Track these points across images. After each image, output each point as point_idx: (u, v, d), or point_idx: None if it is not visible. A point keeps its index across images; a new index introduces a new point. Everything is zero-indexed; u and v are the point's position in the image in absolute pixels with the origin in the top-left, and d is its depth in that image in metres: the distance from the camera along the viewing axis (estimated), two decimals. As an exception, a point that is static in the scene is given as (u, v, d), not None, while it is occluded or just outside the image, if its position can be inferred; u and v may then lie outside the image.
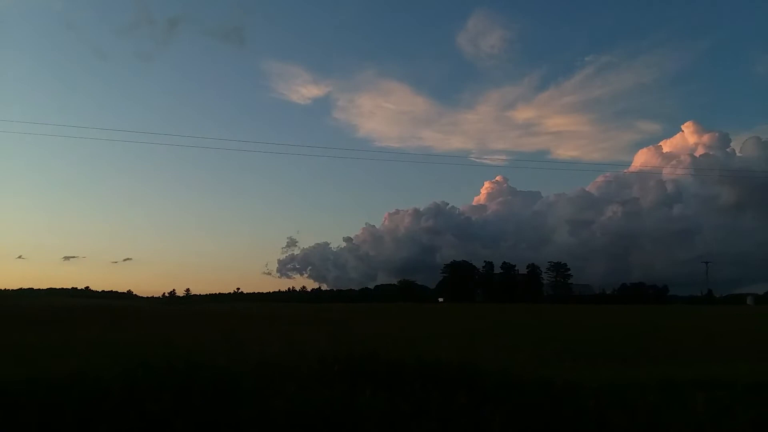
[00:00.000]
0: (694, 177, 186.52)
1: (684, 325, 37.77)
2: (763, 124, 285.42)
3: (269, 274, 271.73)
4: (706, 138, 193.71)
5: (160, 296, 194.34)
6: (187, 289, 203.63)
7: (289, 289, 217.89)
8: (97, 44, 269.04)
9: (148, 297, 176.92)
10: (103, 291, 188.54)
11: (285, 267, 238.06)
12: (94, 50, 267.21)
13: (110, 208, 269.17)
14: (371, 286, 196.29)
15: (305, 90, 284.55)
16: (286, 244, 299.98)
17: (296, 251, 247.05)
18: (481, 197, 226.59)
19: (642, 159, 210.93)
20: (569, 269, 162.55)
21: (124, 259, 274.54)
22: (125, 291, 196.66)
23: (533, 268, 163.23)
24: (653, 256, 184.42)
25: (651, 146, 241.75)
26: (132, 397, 7.71)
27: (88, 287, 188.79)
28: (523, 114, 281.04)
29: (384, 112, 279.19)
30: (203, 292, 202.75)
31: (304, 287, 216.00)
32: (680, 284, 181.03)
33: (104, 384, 8.56)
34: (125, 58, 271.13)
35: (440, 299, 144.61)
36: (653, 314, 55.64)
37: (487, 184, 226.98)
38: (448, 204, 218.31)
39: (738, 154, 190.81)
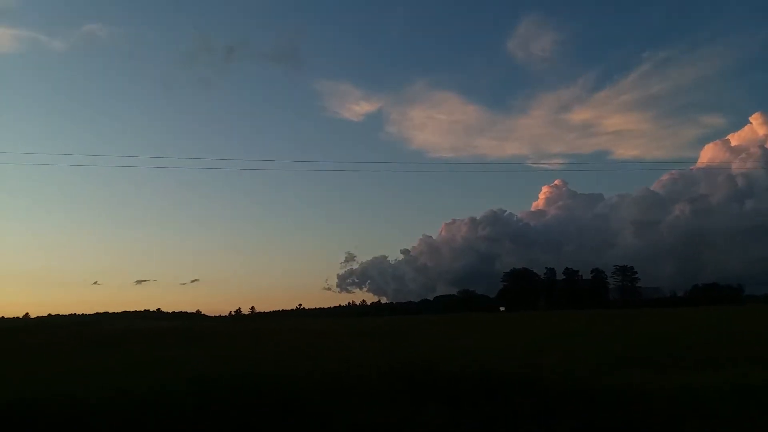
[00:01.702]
0: (765, 170, 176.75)
1: (759, 325, 35.70)
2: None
3: (329, 289, 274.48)
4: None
5: (227, 315, 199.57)
6: (252, 307, 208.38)
7: (349, 303, 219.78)
8: (159, 74, 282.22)
9: (215, 316, 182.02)
10: (173, 312, 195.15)
11: (344, 282, 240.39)
12: (158, 80, 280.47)
13: (178, 231, 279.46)
14: (431, 297, 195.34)
15: (357, 107, 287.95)
16: (344, 259, 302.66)
17: (355, 265, 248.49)
18: (539, 202, 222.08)
19: (709, 154, 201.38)
20: (636, 272, 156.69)
21: (192, 281, 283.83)
22: (194, 311, 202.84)
23: (597, 273, 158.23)
24: (726, 255, 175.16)
25: (717, 140, 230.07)
26: (204, 413, 8.02)
27: (159, 309, 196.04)
28: (579, 116, 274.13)
29: (436, 122, 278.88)
30: (267, 309, 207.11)
31: (364, 301, 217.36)
32: (757, 283, 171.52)
33: (178, 401, 8.94)
34: (187, 86, 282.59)
35: (501, 308, 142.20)
36: (727, 315, 52.85)
37: (545, 189, 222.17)
38: (505, 211, 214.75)
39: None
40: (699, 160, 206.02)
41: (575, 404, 8.15)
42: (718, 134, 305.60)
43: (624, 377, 11.15)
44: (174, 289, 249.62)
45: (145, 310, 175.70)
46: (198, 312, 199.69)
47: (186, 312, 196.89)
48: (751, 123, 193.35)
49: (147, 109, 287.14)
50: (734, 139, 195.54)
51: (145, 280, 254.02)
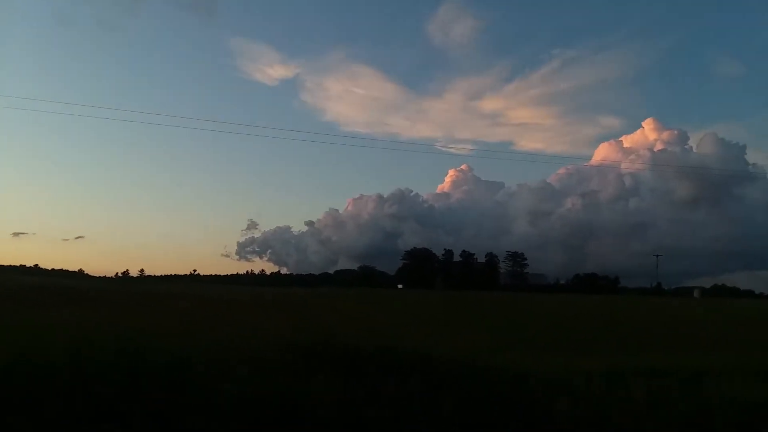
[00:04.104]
0: (651, 172, 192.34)
1: (632, 315, 39.08)
2: (720, 122, 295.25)
3: (227, 256, 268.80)
4: (665, 134, 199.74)
5: (113, 276, 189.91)
6: (141, 270, 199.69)
7: (247, 272, 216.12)
8: (57, 9, 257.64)
9: (99, 276, 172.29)
10: (53, 269, 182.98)
11: (244, 249, 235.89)
12: (54, 16, 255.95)
13: (62, 183, 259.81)
14: (331, 271, 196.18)
15: (272, 70, 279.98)
16: (246, 226, 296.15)
17: (256, 234, 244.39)
18: (445, 185, 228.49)
19: (602, 153, 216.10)
20: (526, 259, 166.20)
21: (76, 237, 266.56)
22: (76, 270, 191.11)
23: (491, 257, 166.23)
24: (608, 248, 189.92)
25: (612, 141, 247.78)
26: (80, 380, 7.54)
27: (37, 265, 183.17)
28: (489, 104, 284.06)
29: (352, 96, 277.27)
30: (158, 273, 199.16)
31: (263, 270, 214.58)
32: (631, 276, 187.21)
33: (51, 366, 8.34)
34: (87, 26, 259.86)
35: (399, 286, 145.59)
36: (604, 304, 57.40)
37: (451, 172, 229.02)
38: (412, 191, 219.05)
39: (695, 151, 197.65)
40: (593, 158, 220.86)
41: (462, 380, 8.48)
42: (613, 135, 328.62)
43: (509, 357, 11.75)
44: (55, 245, 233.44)
45: (20, 266, 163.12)
46: (80, 271, 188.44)
47: (67, 270, 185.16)
48: (643, 127, 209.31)
49: (38, 47, 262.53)
50: (627, 141, 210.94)
51: (22, 233, 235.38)
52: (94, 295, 37.32)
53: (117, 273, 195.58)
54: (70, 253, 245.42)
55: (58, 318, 20.25)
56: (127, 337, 12.72)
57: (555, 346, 17.57)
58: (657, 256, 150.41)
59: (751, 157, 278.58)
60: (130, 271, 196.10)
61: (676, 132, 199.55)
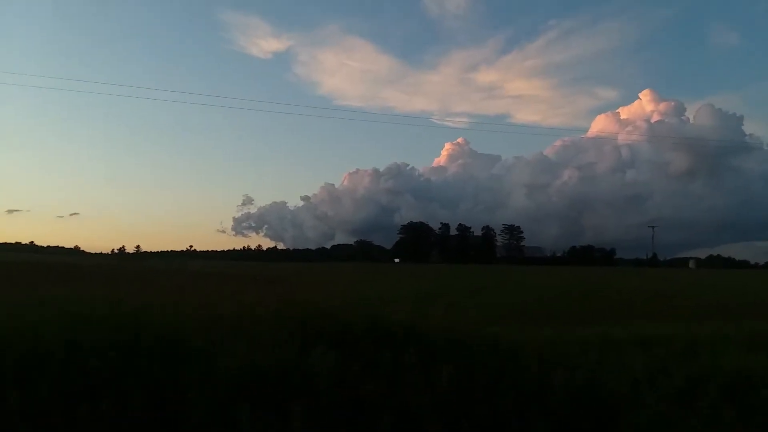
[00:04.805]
0: (648, 144, 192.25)
1: (627, 286, 39.39)
2: (717, 94, 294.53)
3: (224, 232, 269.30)
4: (662, 106, 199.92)
5: (109, 253, 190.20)
6: (138, 246, 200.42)
7: (244, 247, 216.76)
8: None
9: (96, 253, 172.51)
10: (48, 246, 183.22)
11: (240, 225, 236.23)
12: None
13: (57, 160, 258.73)
14: (328, 246, 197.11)
15: (265, 43, 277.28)
16: (241, 201, 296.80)
17: (252, 209, 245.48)
18: (441, 159, 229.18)
19: (599, 125, 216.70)
20: (522, 232, 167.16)
21: (71, 214, 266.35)
22: (72, 247, 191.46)
23: (488, 230, 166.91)
24: (605, 220, 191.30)
25: (609, 112, 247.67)
26: (75, 356, 7.53)
27: (32, 242, 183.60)
28: (485, 77, 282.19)
29: (347, 69, 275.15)
30: (154, 249, 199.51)
31: (259, 246, 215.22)
32: (627, 247, 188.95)
33: (46, 342, 8.32)
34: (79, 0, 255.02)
35: (396, 260, 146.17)
36: (599, 276, 57.82)
37: (448, 146, 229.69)
38: (408, 165, 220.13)
39: (692, 122, 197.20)
40: (590, 130, 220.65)
41: (456, 353, 8.53)
42: (611, 107, 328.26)
43: (504, 329, 11.82)
44: (50, 222, 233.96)
45: (16, 243, 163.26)
46: (77, 248, 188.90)
47: (63, 247, 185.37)
48: (640, 99, 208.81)
49: (32, 22, 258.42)
50: (624, 113, 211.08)
51: (17, 210, 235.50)
52: (90, 272, 37.33)
53: (113, 249, 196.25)
54: (66, 230, 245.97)
55: (53, 295, 20.22)
56: (123, 313, 12.70)
57: (549, 317, 17.70)
58: (653, 227, 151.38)
59: (748, 127, 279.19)
60: (126, 248, 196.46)
61: (673, 103, 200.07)
